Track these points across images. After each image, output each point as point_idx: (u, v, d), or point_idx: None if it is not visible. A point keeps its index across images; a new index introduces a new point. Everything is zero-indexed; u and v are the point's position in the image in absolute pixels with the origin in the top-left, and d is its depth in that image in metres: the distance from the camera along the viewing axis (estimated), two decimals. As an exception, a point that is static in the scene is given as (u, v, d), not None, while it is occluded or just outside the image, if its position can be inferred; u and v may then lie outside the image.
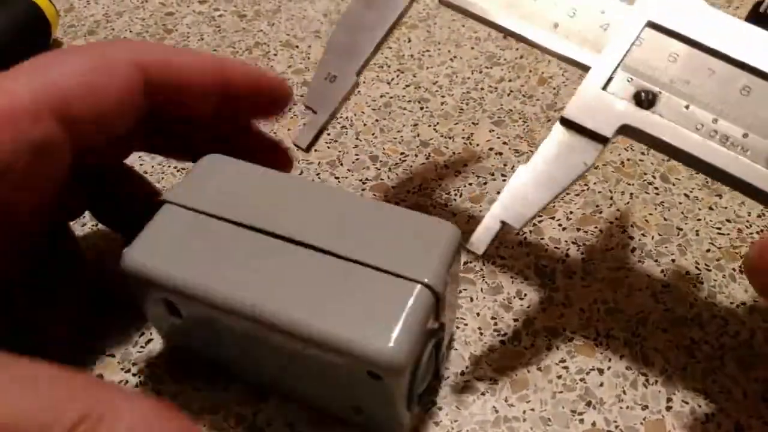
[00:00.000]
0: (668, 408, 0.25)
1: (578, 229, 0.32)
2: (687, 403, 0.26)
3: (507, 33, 0.26)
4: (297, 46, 0.43)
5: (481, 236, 0.22)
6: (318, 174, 0.35)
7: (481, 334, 0.28)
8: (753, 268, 0.22)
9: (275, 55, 0.43)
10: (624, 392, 0.26)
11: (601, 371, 0.27)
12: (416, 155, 0.36)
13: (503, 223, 0.22)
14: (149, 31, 0.45)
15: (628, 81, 0.24)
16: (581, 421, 0.25)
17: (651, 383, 0.26)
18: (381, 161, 0.36)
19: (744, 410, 0.25)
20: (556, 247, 0.31)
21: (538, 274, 0.30)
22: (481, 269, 0.30)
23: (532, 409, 0.25)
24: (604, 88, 0.24)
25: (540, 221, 0.32)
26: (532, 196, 0.23)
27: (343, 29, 0.27)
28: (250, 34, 0.45)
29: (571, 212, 0.33)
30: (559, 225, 0.32)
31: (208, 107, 0.25)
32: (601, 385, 0.26)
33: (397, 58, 0.42)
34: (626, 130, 0.23)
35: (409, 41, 0.44)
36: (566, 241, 0.31)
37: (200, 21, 0.46)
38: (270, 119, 0.28)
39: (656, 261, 0.31)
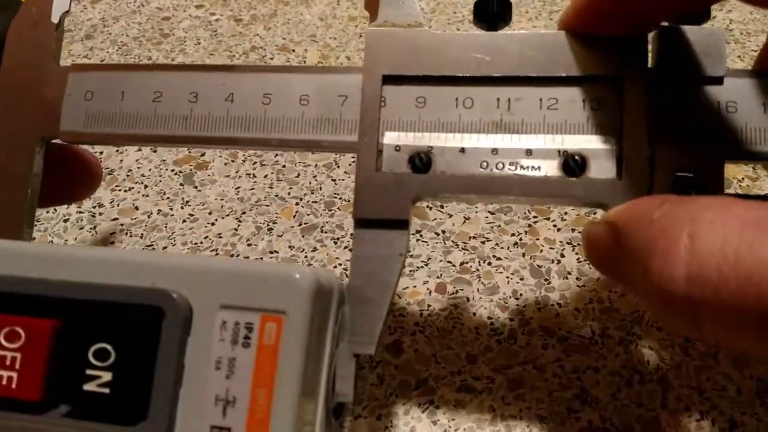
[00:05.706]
0: (663, 406, 0.26)
1: (573, 230, 0.32)
2: (682, 400, 0.26)
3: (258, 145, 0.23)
4: (293, 50, 0.44)
5: (344, 382, 0.20)
6: (315, 177, 0.35)
7: (478, 333, 0.28)
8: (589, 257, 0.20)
9: (271, 59, 0.43)
10: (619, 390, 0.26)
11: (596, 370, 0.27)
12: (412, 157, 0.36)
13: (357, 355, 0.20)
14: (146, 35, 0.45)
15: (396, 150, 0.21)
16: (577, 419, 0.25)
17: (646, 381, 0.26)
18: (377, 163, 0.36)
19: (738, 407, 0.26)
20: (551, 248, 0.31)
21: (534, 274, 0.30)
22: (477, 270, 0.30)
23: (529, 408, 0.26)
24: (378, 168, 0.21)
25: (536, 222, 0.33)
26: (370, 312, 0.20)
27: None
28: (246, 38, 0.45)
29: (565, 213, 0.33)
30: (554, 226, 0.32)
31: None
32: (597, 383, 0.26)
33: (392, 62, 0.43)
34: (421, 199, 0.21)
35: (405, 45, 0.44)
36: (561, 242, 0.32)
37: (197, 25, 0.46)
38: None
39: (650, 261, 0.31)
